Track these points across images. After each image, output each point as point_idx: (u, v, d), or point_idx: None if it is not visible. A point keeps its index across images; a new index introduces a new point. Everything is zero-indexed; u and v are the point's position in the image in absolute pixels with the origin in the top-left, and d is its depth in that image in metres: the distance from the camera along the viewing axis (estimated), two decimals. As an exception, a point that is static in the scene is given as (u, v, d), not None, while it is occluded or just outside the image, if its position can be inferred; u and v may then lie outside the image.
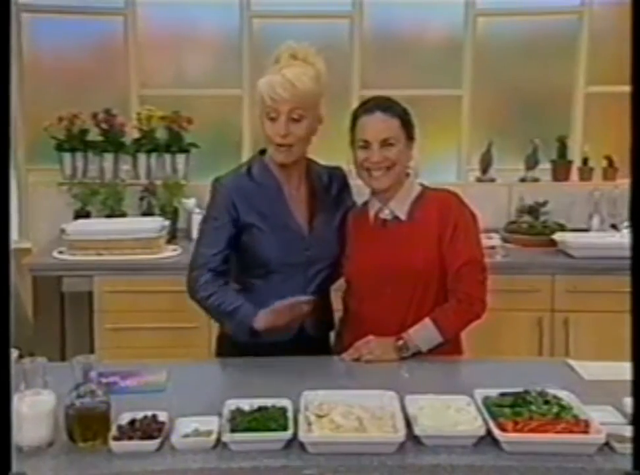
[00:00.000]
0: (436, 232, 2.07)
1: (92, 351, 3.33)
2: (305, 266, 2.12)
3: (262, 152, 2.17)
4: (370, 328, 2.08)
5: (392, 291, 2.08)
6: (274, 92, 2.00)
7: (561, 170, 4.15)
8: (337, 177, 2.24)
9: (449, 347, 2.10)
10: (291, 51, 2.05)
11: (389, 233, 2.13)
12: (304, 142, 2.07)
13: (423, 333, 2.04)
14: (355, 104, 2.49)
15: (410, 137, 2.11)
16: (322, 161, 2.27)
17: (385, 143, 2.06)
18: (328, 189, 2.21)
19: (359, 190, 2.24)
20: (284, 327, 1.98)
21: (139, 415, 1.59)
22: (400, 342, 2.03)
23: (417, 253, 2.07)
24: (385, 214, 2.14)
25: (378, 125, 2.07)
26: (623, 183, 3.86)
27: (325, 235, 2.15)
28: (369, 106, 2.10)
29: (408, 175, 2.16)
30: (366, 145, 2.07)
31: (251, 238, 2.09)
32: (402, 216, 2.12)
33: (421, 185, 2.18)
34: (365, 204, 2.21)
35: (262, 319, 1.98)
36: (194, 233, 2.84)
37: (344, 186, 2.26)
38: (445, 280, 2.08)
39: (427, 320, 2.04)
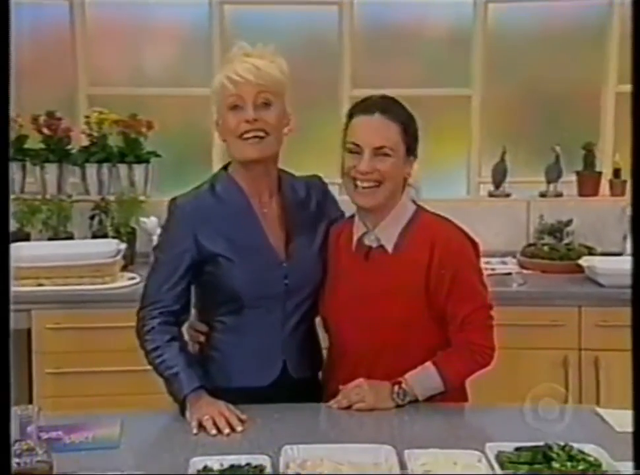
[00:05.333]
0: (425, 270, 2.04)
1: (30, 400, 3.32)
2: (284, 298, 2.12)
3: (226, 167, 2.20)
4: (354, 370, 2.07)
5: (374, 333, 2.07)
6: (237, 74, 2.03)
7: (588, 183, 4.18)
8: (316, 188, 2.25)
9: (452, 393, 2.09)
10: (245, 51, 2.09)
11: (371, 266, 2.10)
12: (276, 132, 2.08)
13: (423, 379, 2.04)
14: (345, 106, 2.51)
15: (410, 151, 2.08)
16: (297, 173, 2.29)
17: (379, 152, 2.03)
18: (306, 203, 2.21)
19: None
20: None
21: (87, 475, 1.60)
22: (397, 388, 2.02)
23: (402, 294, 2.06)
24: (370, 239, 2.12)
25: (374, 128, 2.05)
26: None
27: (306, 260, 2.14)
28: (368, 104, 2.09)
29: (402, 189, 2.12)
30: (357, 150, 2.05)
31: (218, 269, 2.09)
32: (389, 247, 2.09)
33: (415, 203, 2.15)
34: (352, 217, 2.18)
35: (192, 409, 1.96)
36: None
37: (325, 197, 2.26)
38: (439, 321, 2.07)
39: (428, 365, 2.04)
